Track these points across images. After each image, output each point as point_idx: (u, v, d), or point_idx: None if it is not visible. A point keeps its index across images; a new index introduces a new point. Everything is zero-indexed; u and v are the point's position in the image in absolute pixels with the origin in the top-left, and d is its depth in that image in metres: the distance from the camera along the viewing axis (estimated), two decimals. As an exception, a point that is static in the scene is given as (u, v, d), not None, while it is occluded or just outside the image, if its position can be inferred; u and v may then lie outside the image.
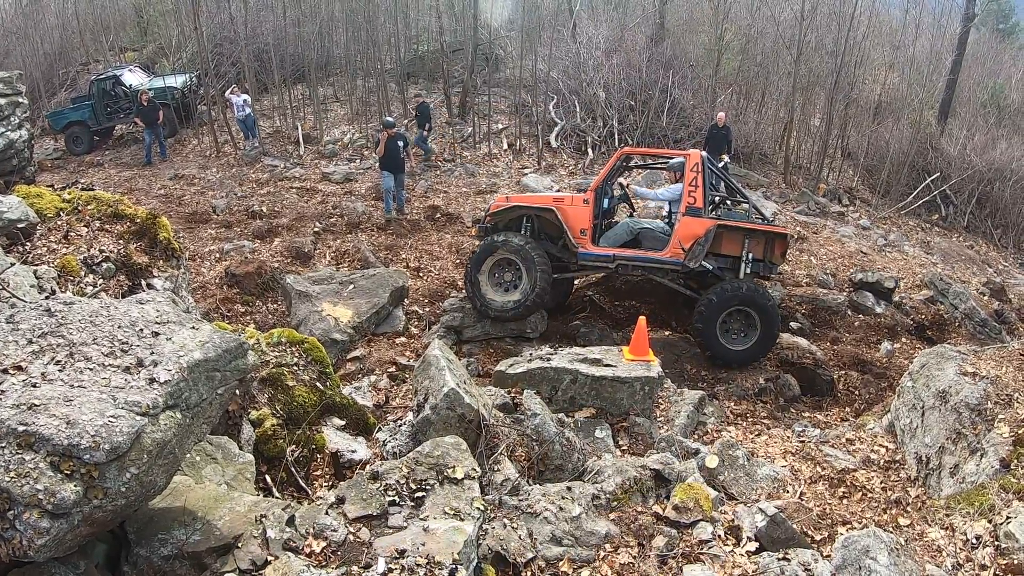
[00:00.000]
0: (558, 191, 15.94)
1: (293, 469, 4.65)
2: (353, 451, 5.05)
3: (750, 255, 9.08)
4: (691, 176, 9.10)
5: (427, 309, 10.41)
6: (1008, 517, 4.11)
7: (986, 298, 12.61)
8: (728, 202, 9.94)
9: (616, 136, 20.19)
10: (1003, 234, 20.64)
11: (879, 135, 21.76)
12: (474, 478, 3.85)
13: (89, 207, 6.29)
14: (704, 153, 9.45)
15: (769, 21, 22.04)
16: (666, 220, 9.83)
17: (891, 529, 4.47)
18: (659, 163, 11.66)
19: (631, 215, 10.70)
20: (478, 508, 3.63)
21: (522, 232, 9.57)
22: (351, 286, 9.95)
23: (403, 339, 9.52)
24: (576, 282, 11.48)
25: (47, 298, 4.05)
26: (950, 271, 15.13)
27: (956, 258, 17.12)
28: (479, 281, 9.44)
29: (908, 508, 4.93)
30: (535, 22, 25.36)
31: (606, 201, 9.76)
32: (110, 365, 3.15)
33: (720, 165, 11.16)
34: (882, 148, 21.29)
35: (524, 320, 9.44)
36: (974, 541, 4.13)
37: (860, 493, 5.20)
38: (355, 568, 3.15)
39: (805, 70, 20.64)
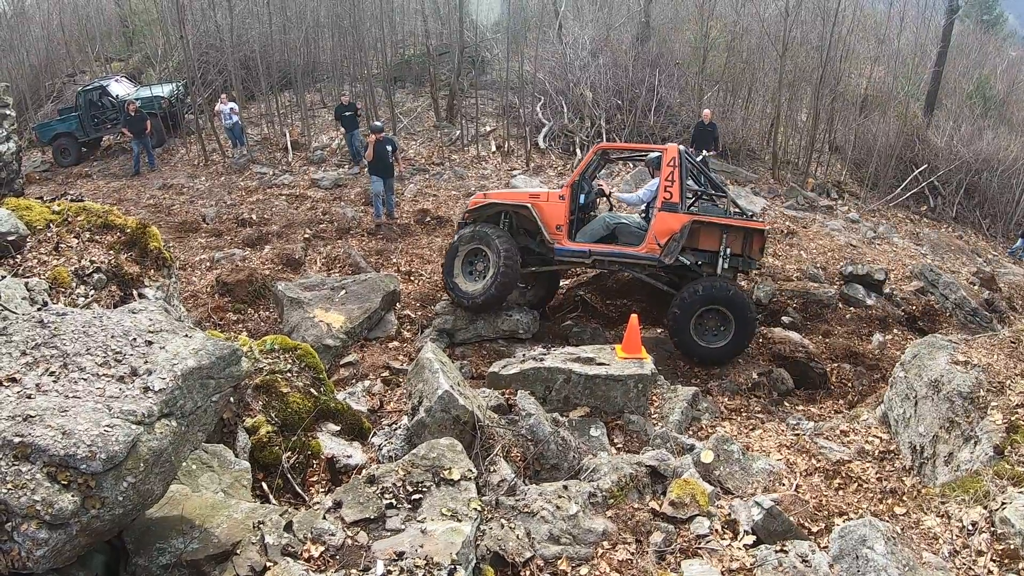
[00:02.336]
0: (541, 190, 15.93)
1: (289, 475, 4.65)
2: (349, 456, 5.05)
3: (728, 250, 9.02)
4: (667, 171, 9.00)
5: (419, 313, 10.40)
6: (1003, 503, 4.14)
7: (976, 287, 12.66)
8: (708, 197, 9.92)
9: (604, 135, 20.23)
10: (991, 224, 20.78)
11: (866, 128, 21.88)
12: (470, 479, 3.86)
13: (79, 218, 6.28)
14: (682, 147, 9.39)
15: (754, 18, 22.12)
16: (643, 215, 9.83)
17: (887, 518, 4.49)
18: (636, 158, 11.66)
19: (609, 210, 10.69)
20: (475, 509, 3.63)
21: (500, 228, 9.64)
22: (342, 292, 9.94)
23: (396, 343, 9.51)
24: (566, 282, 11.49)
25: (39, 310, 4.04)
26: (940, 262, 15.21)
27: (945, 249, 17.21)
28: (454, 276, 9.55)
29: (903, 497, 4.96)
30: (521, 24, 25.41)
31: (582, 197, 9.75)
32: (104, 375, 3.15)
33: (699, 159, 11.11)
34: (869, 141, 21.41)
35: (516, 322, 9.44)
36: (970, 528, 4.15)
37: (855, 484, 5.23)
38: (354, 571, 3.15)
39: (791, 65, 20.72)
